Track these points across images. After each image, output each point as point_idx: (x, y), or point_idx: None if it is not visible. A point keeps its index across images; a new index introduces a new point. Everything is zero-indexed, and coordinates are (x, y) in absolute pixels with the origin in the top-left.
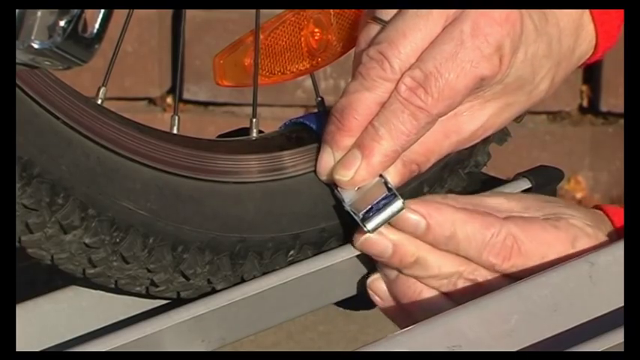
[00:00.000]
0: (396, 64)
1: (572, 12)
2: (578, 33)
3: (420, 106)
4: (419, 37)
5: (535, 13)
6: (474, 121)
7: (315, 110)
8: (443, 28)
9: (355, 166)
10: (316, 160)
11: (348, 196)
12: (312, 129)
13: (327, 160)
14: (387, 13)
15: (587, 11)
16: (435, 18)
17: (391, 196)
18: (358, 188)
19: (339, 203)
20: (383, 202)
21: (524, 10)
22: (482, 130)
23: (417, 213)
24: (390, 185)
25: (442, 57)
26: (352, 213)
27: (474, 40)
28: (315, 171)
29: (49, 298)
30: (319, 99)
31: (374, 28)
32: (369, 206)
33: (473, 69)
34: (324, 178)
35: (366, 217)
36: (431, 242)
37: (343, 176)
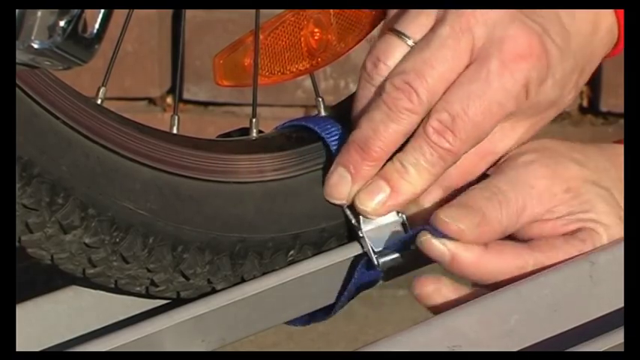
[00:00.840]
0: (423, 95)
1: (589, 12)
2: (596, 31)
3: (448, 149)
4: (446, 68)
5: (556, 33)
6: (506, 140)
7: (315, 110)
8: (469, 59)
9: (380, 198)
10: (324, 178)
11: (364, 224)
12: (313, 130)
13: (344, 185)
14: (406, 26)
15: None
16: (463, 49)
17: (407, 236)
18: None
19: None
20: (399, 241)
21: (544, 34)
22: (517, 145)
23: (444, 247)
24: (406, 225)
25: (469, 98)
26: (367, 240)
27: (501, 79)
28: (325, 192)
29: (49, 298)
30: (319, 99)
31: (392, 42)
32: (385, 245)
33: (500, 107)
34: (337, 202)
35: (382, 253)
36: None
37: (367, 206)
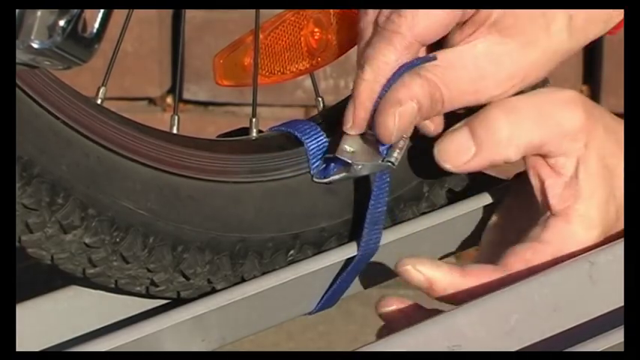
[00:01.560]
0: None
1: None
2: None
3: (392, 30)
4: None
5: None
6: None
7: (315, 110)
8: None
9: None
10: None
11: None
12: (296, 137)
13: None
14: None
15: None
16: None
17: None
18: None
19: (339, 197)
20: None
21: None
22: (521, 73)
23: (421, 274)
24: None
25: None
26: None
27: None
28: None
29: (49, 297)
30: (319, 99)
31: None
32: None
33: None
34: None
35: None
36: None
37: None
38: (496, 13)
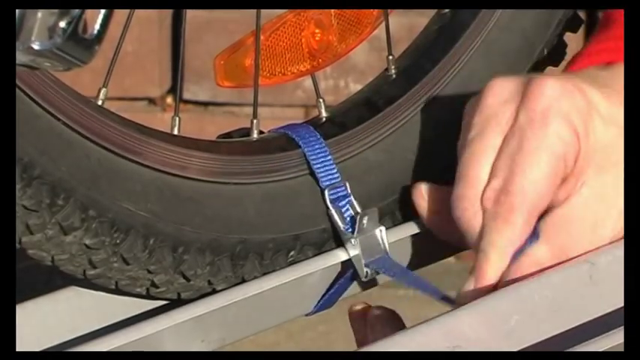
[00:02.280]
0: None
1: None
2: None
3: (507, 209)
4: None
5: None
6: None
7: (315, 110)
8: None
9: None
10: None
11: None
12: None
13: None
14: None
15: None
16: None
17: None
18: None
19: None
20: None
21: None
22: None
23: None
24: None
25: (511, 155)
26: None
27: (533, 128)
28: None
29: (49, 298)
30: (320, 100)
31: None
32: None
33: (548, 153)
34: None
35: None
36: None
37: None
38: (590, 160)
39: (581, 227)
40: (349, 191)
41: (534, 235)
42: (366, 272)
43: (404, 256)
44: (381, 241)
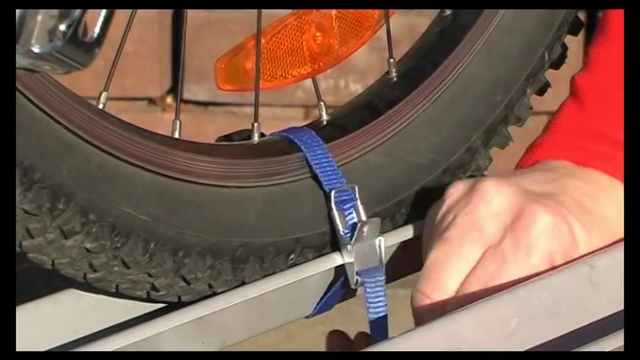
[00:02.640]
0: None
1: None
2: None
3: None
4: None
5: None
6: None
7: (316, 111)
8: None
9: None
10: None
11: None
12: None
13: None
14: None
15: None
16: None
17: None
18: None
19: None
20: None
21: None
22: None
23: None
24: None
25: (486, 278)
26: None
27: (516, 258)
28: None
29: (50, 299)
30: (321, 103)
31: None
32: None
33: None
34: None
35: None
36: None
37: None
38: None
39: None
40: (356, 195)
41: None
42: (357, 280)
43: (399, 262)
44: (377, 251)
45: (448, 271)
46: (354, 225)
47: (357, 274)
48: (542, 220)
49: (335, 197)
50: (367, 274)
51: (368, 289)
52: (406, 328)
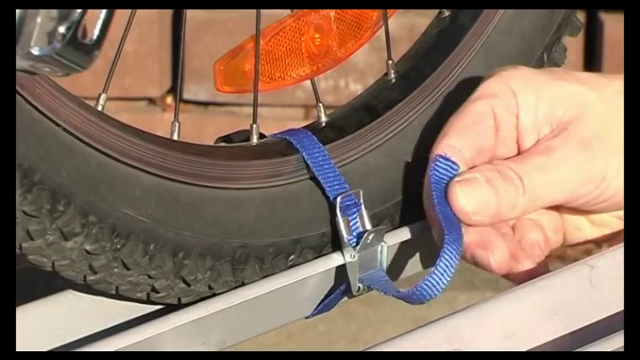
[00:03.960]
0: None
1: None
2: None
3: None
4: None
5: None
6: None
7: (315, 111)
8: None
9: None
10: None
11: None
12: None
13: None
14: None
15: None
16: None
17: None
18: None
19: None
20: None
21: None
22: None
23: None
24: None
25: None
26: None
27: None
28: None
29: (49, 300)
30: (319, 105)
31: None
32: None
33: None
34: None
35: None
36: None
37: None
38: None
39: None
40: (361, 200)
41: None
42: (359, 287)
43: (401, 261)
44: (379, 256)
45: None
46: (359, 233)
47: (359, 280)
48: None
49: (340, 203)
50: (369, 279)
51: (378, 288)
52: (406, 328)
